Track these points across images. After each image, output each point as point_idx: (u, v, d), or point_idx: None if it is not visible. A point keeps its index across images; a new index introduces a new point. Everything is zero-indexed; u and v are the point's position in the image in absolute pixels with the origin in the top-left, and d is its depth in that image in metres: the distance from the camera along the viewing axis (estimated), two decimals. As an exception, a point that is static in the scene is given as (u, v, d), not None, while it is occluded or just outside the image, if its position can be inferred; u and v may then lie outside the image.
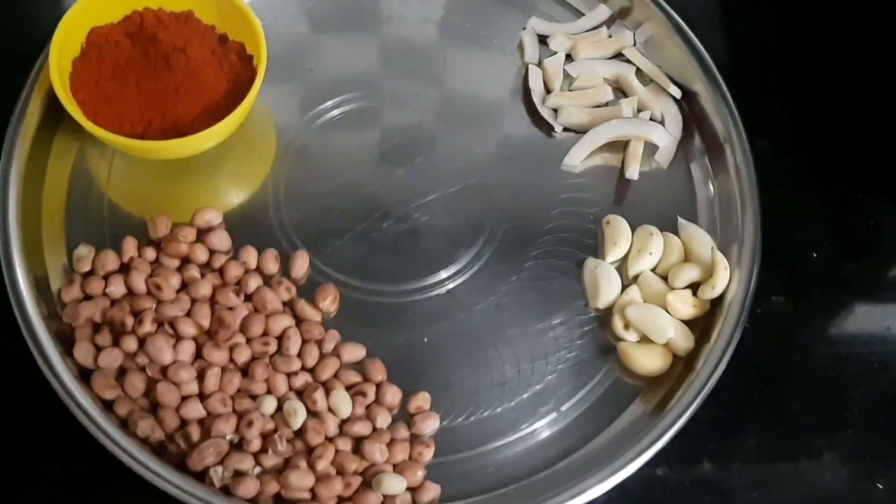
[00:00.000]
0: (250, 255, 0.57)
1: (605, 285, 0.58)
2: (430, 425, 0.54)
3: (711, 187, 0.62)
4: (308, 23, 0.66)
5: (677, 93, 0.64)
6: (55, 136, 0.60)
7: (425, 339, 0.57)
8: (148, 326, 0.53)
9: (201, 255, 0.56)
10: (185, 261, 0.56)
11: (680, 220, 0.60)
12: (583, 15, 0.68)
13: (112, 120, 0.57)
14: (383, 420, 0.53)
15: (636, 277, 0.59)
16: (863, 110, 0.67)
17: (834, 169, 0.65)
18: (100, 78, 0.58)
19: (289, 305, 0.56)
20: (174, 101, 0.58)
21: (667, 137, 0.63)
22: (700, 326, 0.57)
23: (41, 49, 0.59)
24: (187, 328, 0.53)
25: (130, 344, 0.53)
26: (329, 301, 0.56)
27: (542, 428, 0.55)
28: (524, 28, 0.67)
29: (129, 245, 0.56)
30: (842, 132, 0.67)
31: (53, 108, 0.58)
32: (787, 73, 0.69)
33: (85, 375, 0.52)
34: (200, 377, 0.52)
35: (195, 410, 0.52)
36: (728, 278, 0.57)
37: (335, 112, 0.63)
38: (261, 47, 0.58)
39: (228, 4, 0.60)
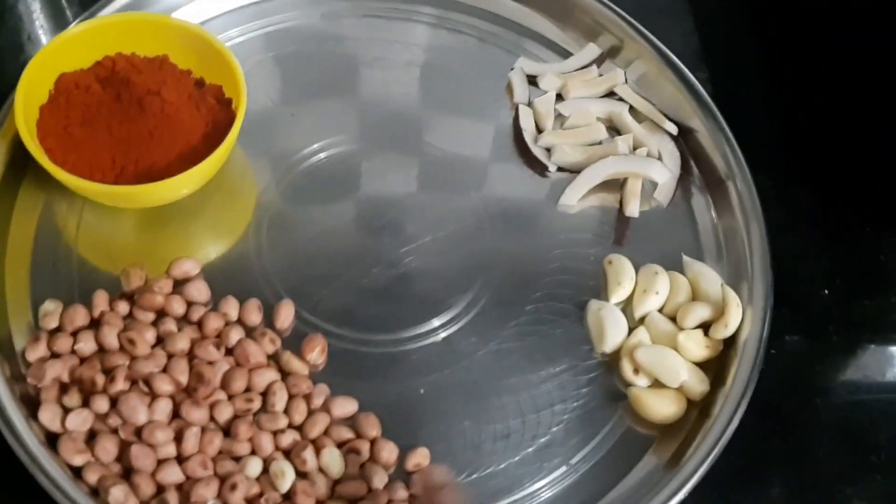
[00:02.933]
0: (231, 306, 0.53)
1: (610, 328, 0.54)
2: (430, 483, 0.50)
3: (715, 224, 0.60)
4: (290, 67, 0.64)
5: (673, 129, 0.62)
6: (21, 185, 0.57)
7: (421, 391, 0.53)
8: (121, 384, 0.49)
9: (178, 307, 0.53)
10: (161, 314, 0.53)
11: (685, 258, 0.57)
12: (571, 55, 0.66)
13: (82, 167, 0.54)
14: (379, 479, 0.49)
15: (643, 319, 0.55)
16: (865, 141, 0.65)
17: (838, 203, 0.63)
18: (69, 124, 0.55)
19: (273, 358, 0.52)
20: (148, 146, 0.55)
21: (666, 174, 0.60)
22: (714, 369, 0.54)
23: (6, 96, 0.56)
24: (163, 385, 0.49)
25: (101, 404, 0.48)
26: (317, 353, 0.52)
27: (551, 484, 0.51)
28: (512, 69, 0.64)
29: (100, 299, 0.52)
30: (844, 165, 0.65)
31: (19, 156, 0.55)
32: (783, 108, 0.68)
33: (52, 440, 0.48)
34: (178, 438, 0.48)
35: (173, 474, 0.47)
36: (741, 315, 0.54)
37: (321, 156, 0.60)
38: (240, 89, 0.56)
39: (206, 47, 0.58)
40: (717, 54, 0.69)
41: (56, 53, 0.56)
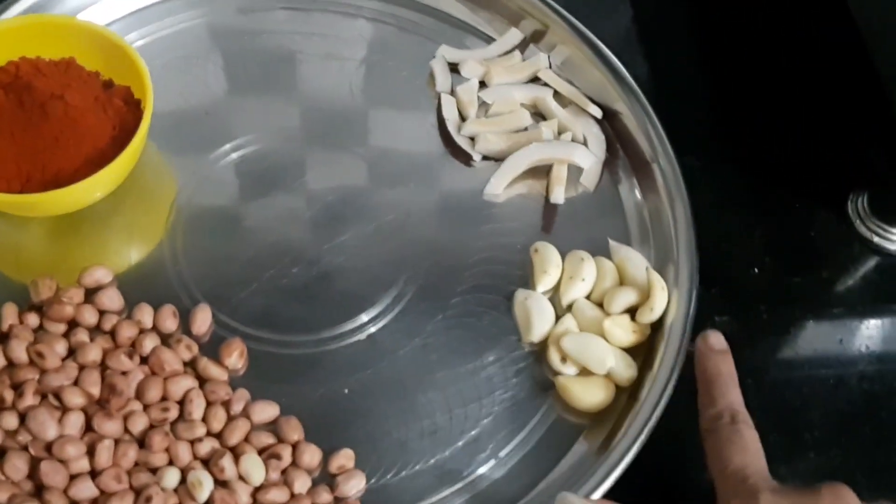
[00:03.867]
0: (145, 314, 0.52)
1: (537, 317, 0.53)
2: (354, 485, 0.48)
3: (641, 208, 0.59)
4: (203, 65, 0.62)
5: (598, 112, 0.61)
6: (-78, 198, 0.55)
7: (346, 391, 0.52)
8: (30, 399, 0.47)
9: (90, 317, 0.51)
10: (73, 325, 0.51)
11: (611, 242, 0.56)
12: (494, 41, 0.65)
13: (-15, 178, 0.52)
14: (302, 484, 0.48)
15: (570, 306, 0.54)
16: (789, 119, 0.65)
17: (765, 181, 0.62)
18: (-29, 133, 0.53)
19: (190, 365, 0.51)
20: (54, 152, 0.53)
21: (591, 158, 0.59)
22: (642, 353, 0.53)
23: None
24: (74, 398, 0.47)
25: (10, 420, 0.47)
26: (235, 357, 0.51)
27: (481, 477, 0.50)
28: (434, 57, 0.63)
29: (9, 312, 0.51)
30: (769, 143, 0.64)
31: (-81, 168, 0.53)
32: (707, 88, 0.67)
33: (-41, 461, 0.46)
34: (91, 452, 0.47)
35: (86, 490, 0.46)
36: (666, 299, 0.53)
37: (236, 154, 0.58)
38: (146, 89, 0.54)
39: (112, 48, 0.56)
40: (644, 37, 0.68)
41: (-44, 61, 0.54)
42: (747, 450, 0.44)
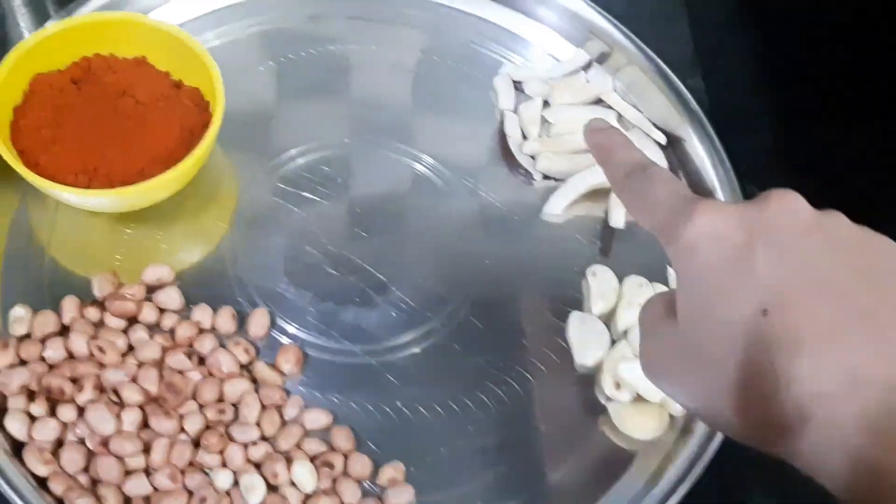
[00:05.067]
0: (204, 314, 0.52)
1: (592, 341, 0.53)
2: (404, 499, 0.48)
3: (702, 236, 0.58)
4: (273, 69, 0.62)
5: (662, 139, 0.61)
6: (-7, 186, 0.56)
7: (398, 403, 0.52)
8: (89, 393, 0.48)
9: (150, 314, 0.51)
10: (133, 321, 0.51)
11: (671, 269, 0.56)
12: (559, 60, 0.65)
13: (55, 170, 0.52)
14: (352, 494, 0.48)
15: (626, 332, 0.54)
16: (860, 148, 0.64)
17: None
18: (42, 125, 0.54)
19: (247, 368, 0.51)
20: (122, 148, 0.54)
21: (653, 184, 0.59)
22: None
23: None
24: (133, 395, 0.48)
25: (69, 413, 0.47)
26: (292, 362, 0.51)
27: (529, 501, 0.50)
28: (498, 74, 0.63)
29: (71, 305, 0.51)
30: (837, 173, 0.63)
31: (-8, 157, 0.54)
32: (776, 118, 0.66)
33: (17, 449, 0.47)
34: (147, 449, 0.47)
35: (140, 487, 0.46)
36: (725, 331, 0.53)
37: (301, 160, 0.59)
38: (217, 92, 0.54)
39: (184, 49, 0.56)
40: (710, 62, 0.68)
41: (32, 53, 0.55)
42: (670, 181, 0.35)
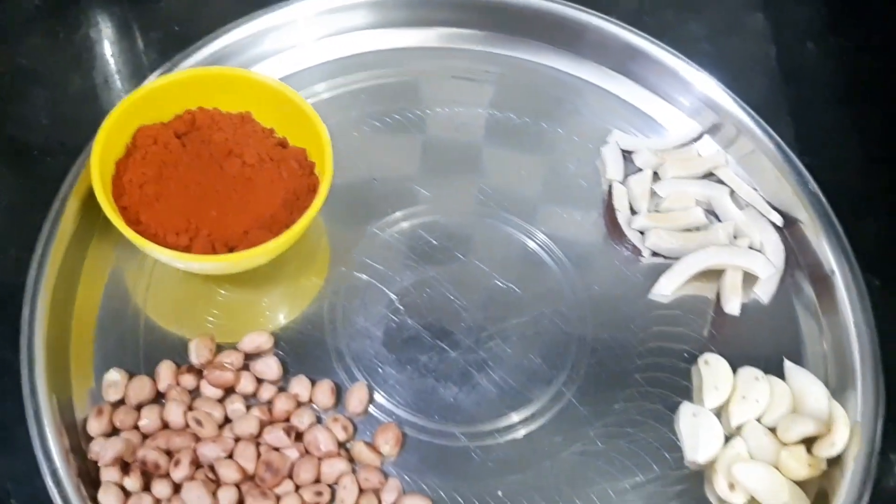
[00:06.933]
0: (302, 387, 0.50)
1: (705, 436, 0.50)
2: None
3: (820, 325, 0.56)
4: (375, 128, 0.61)
5: (779, 220, 0.58)
6: (90, 243, 0.54)
7: (499, 493, 0.49)
8: (185, 469, 0.46)
9: (248, 384, 0.50)
10: (229, 390, 0.50)
11: (787, 363, 0.53)
12: (668, 130, 0.62)
13: (156, 229, 0.51)
14: (451, 590, 0.46)
15: (739, 427, 0.51)
16: None
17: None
18: (145, 182, 0.53)
19: (344, 447, 0.49)
20: (225, 210, 0.52)
21: (770, 268, 0.56)
22: (814, 489, 0.50)
23: (81, 149, 0.54)
24: (230, 473, 0.46)
25: (164, 490, 0.46)
26: (391, 444, 0.49)
27: None
28: (606, 142, 0.61)
29: (166, 371, 0.50)
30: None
31: (91, 213, 0.53)
32: (891, 197, 0.63)
33: (109, 524, 0.45)
34: (242, 531, 0.45)
35: (235, 571, 0.44)
36: (849, 433, 0.50)
37: (403, 225, 0.57)
38: (325, 154, 0.53)
39: (290, 106, 0.55)
40: (821, 141, 0.64)
41: (135, 105, 0.54)
42: None
